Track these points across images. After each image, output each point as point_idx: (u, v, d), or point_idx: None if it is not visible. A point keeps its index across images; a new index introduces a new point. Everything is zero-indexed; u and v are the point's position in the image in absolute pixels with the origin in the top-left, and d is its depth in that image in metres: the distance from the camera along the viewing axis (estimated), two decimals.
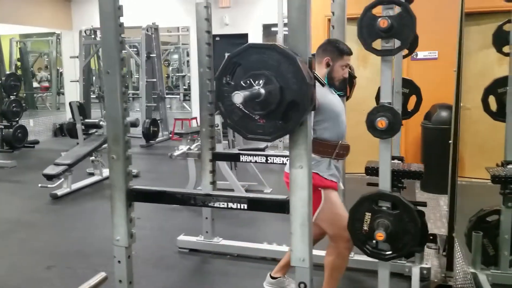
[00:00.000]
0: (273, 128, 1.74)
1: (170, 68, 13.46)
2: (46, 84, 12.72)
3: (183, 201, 2.30)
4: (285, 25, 6.77)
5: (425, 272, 3.04)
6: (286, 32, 5.95)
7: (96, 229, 4.23)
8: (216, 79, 1.81)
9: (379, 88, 3.04)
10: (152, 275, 3.23)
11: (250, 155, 3.40)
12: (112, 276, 2.28)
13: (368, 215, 1.95)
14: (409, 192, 4.43)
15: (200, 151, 4.86)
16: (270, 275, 2.91)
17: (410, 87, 2.97)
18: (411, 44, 2.68)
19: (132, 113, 9.01)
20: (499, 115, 2.85)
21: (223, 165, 4.60)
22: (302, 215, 1.85)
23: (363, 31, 1.80)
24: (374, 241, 2.00)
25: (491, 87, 2.85)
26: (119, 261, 2.30)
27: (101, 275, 2.01)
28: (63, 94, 11.25)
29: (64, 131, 9.09)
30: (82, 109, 7.08)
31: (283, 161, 3.29)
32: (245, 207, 2.16)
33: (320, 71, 2.49)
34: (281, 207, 2.02)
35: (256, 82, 1.70)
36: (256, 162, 3.39)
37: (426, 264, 3.07)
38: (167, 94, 10.03)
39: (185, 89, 12.45)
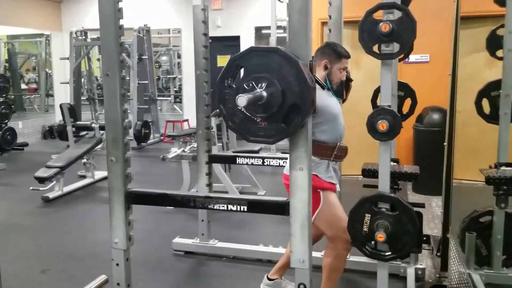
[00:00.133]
0: (274, 131, 1.75)
1: (160, 70, 13.42)
2: (34, 85, 12.59)
3: (183, 204, 2.30)
4: (278, 27, 6.80)
5: (419, 272, 3.08)
6: (279, 35, 5.96)
7: (90, 232, 4.21)
8: (218, 82, 1.82)
9: (375, 91, 3.11)
10: (149, 278, 3.22)
11: (247, 157, 3.41)
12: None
13: (367, 217, 1.98)
14: (402, 194, 4.47)
15: (194, 153, 4.88)
16: (267, 276, 2.92)
17: (405, 90, 3.02)
18: None
19: None
20: (492, 117, 2.90)
21: (217, 167, 4.61)
22: (302, 217, 1.87)
23: (364, 35, 1.83)
24: (373, 242, 2.03)
25: (485, 90, 2.90)
26: (117, 264, 2.29)
27: (102, 277, 2.01)
28: (52, 96, 11.16)
29: (54, 133, 9.04)
30: (73, 111, 7.06)
31: (279, 163, 3.31)
32: (245, 209, 2.16)
33: (319, 73, 2.52)
34: (281, 209, 2.03)
35: (259, 85, 1.72)
36: (252, 164, 3.40)
37: (421, 264, 3.12)
38: (158, 96, 10.02)
39: (175, 91, 12.43)
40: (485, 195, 4.12)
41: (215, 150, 4.55)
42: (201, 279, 3.27)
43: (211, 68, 3.40)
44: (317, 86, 1.93)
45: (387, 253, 1.99)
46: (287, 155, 2.97)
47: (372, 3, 1.98)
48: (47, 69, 11.50)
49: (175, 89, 12.61)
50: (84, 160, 5.77)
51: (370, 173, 2.62)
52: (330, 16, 2.99)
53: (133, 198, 2.27)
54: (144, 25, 8.86)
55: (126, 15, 2.25)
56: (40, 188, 5.02)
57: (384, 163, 1.97)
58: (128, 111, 9.81)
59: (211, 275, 3.31)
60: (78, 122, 7.07)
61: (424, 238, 3.06)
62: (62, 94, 9.76)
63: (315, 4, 4.82)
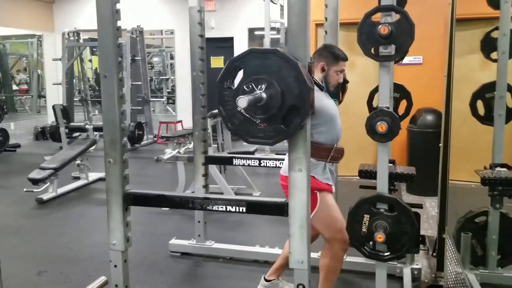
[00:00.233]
0: (274, 132, 1.76)
1: (153, 71, 13.39)
2: (25, 86, 12.50)
3: (181, 205, 2.30)
4: (272, 29, 6.82)
5: (416, 272, 3.11)
6: (273, 36, 5.96)
7: (85, 234, 4.19)
8: (217, 83, 1.82)
9: (370, 93, 3.13)
10: (145, 280, 3.21)
11: (243, 158, 3.42)
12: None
13: (366, 217, 1.99)
14: (397, 195, 4.49)
15: (189, 155, 4.87)
16: (264, 277, 2.93)
17: (400, 92, 3.04)
18: None
19: None
20: (486, 119, 2.93)
21: (212, 169, 4.61)
22: (301, 218, 1.88)
23: (362, 37, 1.85)
24: (371, 243, 2.04)
25: (479, 92, 2.93)
26: (115, 266, 2.28)
27: (102, 279, 2.01)
28: (44, 97, 11.09)
29: (46, 134, 8.98)
30: (66, 112, 7.02)
31: (276, 164, 3.32)
32: (244, 210, 2.17)
33: (316, 75, 2.53)
34: (280, 210, 2.04)
35: (258, 86, 1.73)
36: (249, 165, 3.40)
37: (417, 265, 3.14)
38: (151, 97, 9.99)
39: (168, 92, 12.41)
40: (478, 196, 4.15)
41: (210, 152, 4.55)
42: (198, 280, 3.27)
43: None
44: (315, 87, 1.94)
45: (385, 254, 2.00)
46: (283, 156, 3.00)
47: (366, 5, 2.01)
48: (38, 70, 11.43)
49: (167, 90, 12.60)
50: (78, 162, 5.74)
51: (367, 174, 2.63)
52: (326, 18, 3.01)
53: (131, 200, 2.26)
54: (137, 26, 8.84)
55: None
56: (34, 190, 4.99)
57: (383, 164, 1.99)
58: None
59: (207, 276, 3.31)
60: (72, 123, 7.03)
61: (420, 239, 3.10)
62: (54, 95, 9.71)
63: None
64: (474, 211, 3.00)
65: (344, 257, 3.25)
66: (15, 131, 9.10)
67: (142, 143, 8.74)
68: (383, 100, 1.95)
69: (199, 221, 3.54)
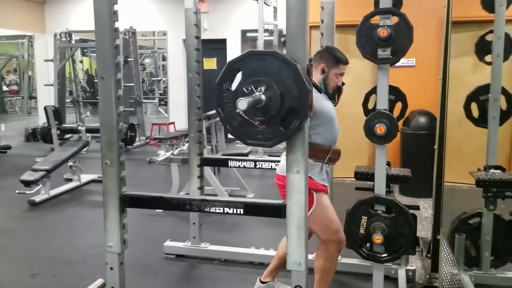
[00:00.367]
0: (272, 134, 1.76)
1: (145, 72, 13.35)
2: (15, 87, 12.39)
3: (179, 207, 2.29)
4: (265, 31, 6.83)
5: (410, 274, 3.12)
6: (266, 38, 5.96)
7: (78, 236, 4.16)
8: (216, 85, 1.82)
9: (366, 95, 3.14)
10: (141, 282, 3.20)
11: (239, 160, 3.41)
12: None
13: (364, 219, 2.00)
14: (391, 196, 4.53)
15: (183, 156, 4.86)
16: (259, 279, 2.93)
17: (396, 94, 3.05)
18: None
19: None
20: (480, 121, 2.95)
21: (207, 170, 4.59)
22: (299, 219, 1.88)
23: (362, 40, 1.86)
24: (368, 244, 2.05)
25: (473, 94, 2.96)
26: (111, 268, 2.26)
27: (99, 281, 2.00)
28: (34, 98, 10.99)
29: (37, 136, 8.91)
30: (58, 113, 6.96)
31: (271, 166, 3.33)
32: (242, 212, 2.17)
33: (315, 77, 2.54)
34: (278, 211, 2.05)
35: (258, 88, 1.73)
36: (244, 167, 3.40)
37: (411, 266, 3.16)
38: (143, 98, 9.96)
39: (160, 94, 12.37)
40: (470, 197, 4.19)
41: (205, 153, 4.54)
42: (193, 282, 3.25)
43: None
44: (314, 89, 1.95)
45: (383, 255, 2.01)
46: (278, 158, 3.01)
47: (361, 8, 2.02)
48: (29, 71, 11.34)
49: (159, 91, 12.56)
50: (71, 163, 5.70)
51: (363, 175, 2.65)
52: (322, 20, 3.02)
53: (128, 202, 2.26)
54: (130, 27, 8.80)
55: None
56: (26, 192, 4.94)
57: (381, 166, 2.00)
58: None
59: (203, 278, 3.30)
60: (64, 125, 6.97)
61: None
62: (46, 96, 9.64)
63: None
64: (468, 212, 3.03)
65: (339, 259, 3.27)
66: (5, 132, 9.02)
67: (134, 144, 8.71)
68: (381, 102, 1.96)
69: (194, 223, 3.53)
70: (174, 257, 3.58)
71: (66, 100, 9.51)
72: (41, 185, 5.08)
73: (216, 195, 4.67)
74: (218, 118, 5.25)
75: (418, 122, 5.08)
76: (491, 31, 2.73)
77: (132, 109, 9.12)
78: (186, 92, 10.10)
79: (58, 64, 8.56)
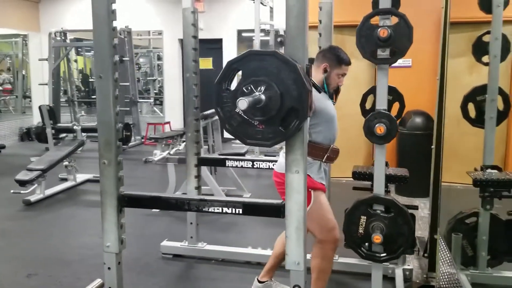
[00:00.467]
0: (272, 134, 1.76)
1: (140, 72, 13.30)
2: (8, 86, 12.29)
3: (177, 207, 2.28)
4: (261, 31, 6.82)
5: (407, 273, 3.14)
6: (262, 38, 5.92)
7: (74, 236, 4.14)
8: (216, 85, 1.82)
9: (363, 95, 3.15)
10: (138, 282, 3.19)
11: (236, 160, 3.41)
12: None
13: (363, 219, 2.00)
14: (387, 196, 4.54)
15: (179, 156, 4.85)
16: (257, 279, 2.93)
17: (393, 94, 3.06)
18: None
19: None
20: (477, 121, 2.97)
21: (203, 170, 4.59)
22: (297, 219, 1.88)
23: (362, 40, 1.86)
24: (366, 244, 2.06)
25: (470, 95, 2.97)
26: (109, 268, 2.25)
27: (98, 282, 1.99)
28: (28, 97, 10.93)
29: (32, 135, 8.86)
30: (52, 113, 6.93)
31: (269, 165, 3.32)
32: (240, 212, 2.16)
33: (317, 75, 2.55)
34: (277, 211, 2.04)
35: (257, 88, 1.73)
36: (242, 167, 3.40)
37: (408, 265, 3.17)
38: (138, 98, 9.93)
39: (155, 93, 12.34)
40: (465, 197, 4.20)
41: (201, 153, 4.53)
42: (191, 282, 3.25)
43: None
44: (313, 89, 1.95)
45: (382, 255, 2.02)
46: (275, 158, 3.00)
47: (358, 8, 2.02)
48: (23, 70, 11.27)
49: (155, 91, 12.52)
50: (66, 163, 5.68)
51: (360, 175, 2.65)
52: (320, 21, 3.02)
53: (126, 201, 2.25)
54: (125, 27, 8.77)
55: None
56: (21, 191, 4.91)
57: (380, 166, 2.01)
58: None
59: (200, 278, 3.30)
60: (59, 124, 6.94)
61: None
62: (40, 96, 9.58)
63: None
64: (465, 212, 3.04)
65: (336, 258, 3.28)
66: None
67: (130, 144, 8.67)
68: (381, 102, 1.96)
69: (191, 223, 3.53)
70: (171, 257, 3.57)
71: (61, 100, 9.47)
72: (36, 185, 5.05)
73: (212, 194, 4.67)
74: (214, 118, 5.26)
75: (414, 122, 5.10)
76: (488, 32, 2.74)
77: (128, 108, 9.09)
78: (181, 92, 10.09)
79: (53, 63, 8.51)
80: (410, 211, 2.13)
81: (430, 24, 5.15)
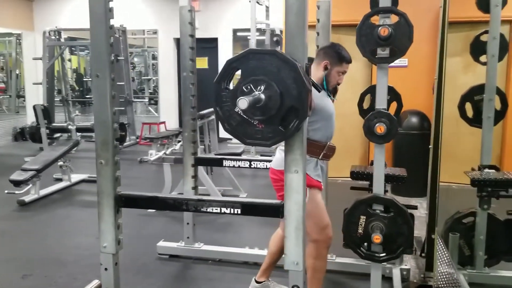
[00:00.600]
0: (272, 133, 1.75)
1: (134, 71, 13.25)
2: (2, 85, 12.21)
3: (175, 207, 2.26)
4: (257, 30, 6.81)
5: (404, 273, 3.13)
6: (258, 38, 5.90)
7: (69, 236, 4.11)
8: (215, 84, 1.80)
9: (361, 94, 3.14)
10: (134, 283, 3.16)
11: (234, 159, 3.39)
12: None
13: (362, 218, 2.00)
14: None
15: (175, 156, 4.83)
16: (254, 279, 2.92)
17: (391, 94, 3.06)
18: None
19: None
20: (475, 121, 2.98)
21: (200, 170, 4.56)
22: (297, 219, 1.87)
23: (362, 39, 1.85)
24: (366, 244, 2.05)
25: (468, 94, 2.98)
26: (106, 269, 2.23)
27: (95, 282, 1.97)
28: (22, 97, 10.85)
29: (26, 135, 8.79)
30: (47, 112, 6.88)
31: (266, 165, 3.31)
32: (239, 212, 2.14)
33: (317, 73, 2.54)
34: (276, 211, 2.03)
35: (257, 87, 1.71)
36: (239, 167, 3.39)
37: (406, 265, 3.17)
38: (133, 97, 9.89)
39: (150, 93, 12.30)
40: (461, 197, 4.21)
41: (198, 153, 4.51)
42: (187, 282, 3.23)
43: None
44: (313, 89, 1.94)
45: (381, 255, 2.01)
46: (272, 158, 2.99)
47: (354, 7, 2.01)
48: (17, 70, 11.18)
49: (149, 91, 12.48)
50: (61, 163, 5.63)
51: (359, 175, 2.65)
52: (318, 20, 3.01)
53: (123, 202, 2.22)
54: (120, 26, 8.73)
55: None
56: (16, 192, 4.87)
57: (379, 166, 2.00)
58: None
59: (197, 278, 3.27)
60: (55, 124, 6.89)
61: None
62: (34, 95, 9.52)
63: None
64: (462, 211, 3.05)
65: (334, 258, 3.27)
66: None
67: (125, 144, 8.63)
68: (381, 102, 1.95)
69: (188, 223, 3.51)
70: (168, 257, 3.55)
71: (55, 99, 9.41)
72: (31, 185, 5.01)
73: (208, 195, 4.65)
74: (211, 118, 5.24)
75: (410, 122, 5.11)
76: (486, 32, 2.75)
77: (122, 108, 9.04)
78: (176, 91, 10.04)
79: (47, 62, 8.45)
80: (409, 211, 2.13)
81: (427, 23, 5.16)
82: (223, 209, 2.16)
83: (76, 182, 5.86)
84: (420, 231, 3.89)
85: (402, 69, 5.46)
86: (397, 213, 1.97)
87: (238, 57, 1.76)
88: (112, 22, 2.14)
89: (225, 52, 8.93)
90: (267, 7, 7.47)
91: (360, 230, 2.01)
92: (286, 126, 1.72)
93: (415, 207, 2.39)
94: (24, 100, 10.64)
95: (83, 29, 8.82)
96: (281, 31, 7.23)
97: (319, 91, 2.42)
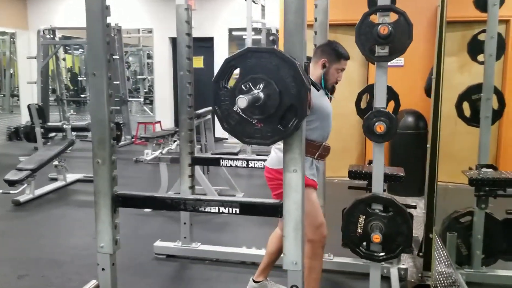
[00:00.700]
0: (271, 132, 1.74)
1: (129, 70, 13.20)
2: None
3: (173, 206, 2.24)
4: (253, 29, 6.79)
5: (402, 272, 3.13)
6: (254, 37, 5.89)
7: (65, 236, 4.08)
8: (213, 83, 1.79)
9: (359, 94, 3.14)
10: (131, 283, 3.15)
11: (231, 159, 3.38)
12: None
13: (362, 218, 1.99)
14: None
15: (171, 155, 4.81)
16: (252, 279, 2.91)
17: (389, 93, 3.04)
18: None
19: None
20: (472, 120, 2.98)
21: (196, 170, 4.55)
22: (295, 219, 1.86)
23: (361, 38, 1.84)
24: (365, 243, 2.04)
25: (465, 94, 2.98)
26: (103, 269, 2.22)
27: (93, 283, 1.95)
28: (16, 96, 10.78)
29: (20, 134, 8.73)
30: (41, 112, 6.85)
31: (263, 165, 3.28)
32: (237, 212, 2.13)
33: (316, 71, 2.53)
34: (274, 210, 2.01)
35: (256, 86, 1.70)
36: (236, 166, 3.37)
37: (403, 264, 3.17)
38: (128, 97, 9.84)
39: (145, 92, 12.25)
40: (458, 196, 4.21)
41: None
42: (185, 282, 3.21)
43: None
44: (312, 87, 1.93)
45: (380, 254, 2.00)
46: (268, 157, 2.97)
47: (351, 7, 2.00)
48: (10, 69, 11.11)
49: (144, 90, 12.43)
50: (56, 163, 5.60)
51: (357, 174, 2.64)
52: (316, 18, 3.00)
53: (120, 201, 2.20)
54: (115, 24, 8.69)
55: None
56: (11, 192, 4.84)
57: (379, 165, 1.99)
58: None
59: (194, 278, 3.26)
60: (50, 123, 6.85)
61: None
62: (28, 94, 9.45)
63: None
64: (459, 211, 3.05)
65: (331, 258, 3.27)
66: None
67: (120, 143, 8.59)
68: (380, 101, 1.95)
69: (185, 223, 3.49)
70: (165, 257, 3.53)
71: (50, 98, 9.35)
72: (26, 185, 4.97)
73: (205, 194, 4.63)
74: (207, 117, 5.22)
75: (406, 122, 5.11)
76: (483, 31, 2.75)
77: (118, 107, 9.00)
78: (172, 91, 10.01)
79: (42, 61, 8.39)
80: (408, 210, 2.12)
81: (423, 23, 5.16)
82: (222, 209, 2.14)
83: (72, 182, 5.82)
84: (417, 230, 3.90)
85: (398, 68, 5.46)
86: (396, 213, 1.96)
87: (237, 56, 1.75)
88: (109, 20, 2.12)
89: (221, 52, 8.91)
90: (263, 6, 7.45)
91: (359, 230, 2.00)
92: (285, 125, 1.71)
93: (414, 207, 2.38)
94: (18, 100, 10.57)
95: (77, 28, 8.77)
96: (277, 30, 7.21)
97: (318, 90, 2.42)
